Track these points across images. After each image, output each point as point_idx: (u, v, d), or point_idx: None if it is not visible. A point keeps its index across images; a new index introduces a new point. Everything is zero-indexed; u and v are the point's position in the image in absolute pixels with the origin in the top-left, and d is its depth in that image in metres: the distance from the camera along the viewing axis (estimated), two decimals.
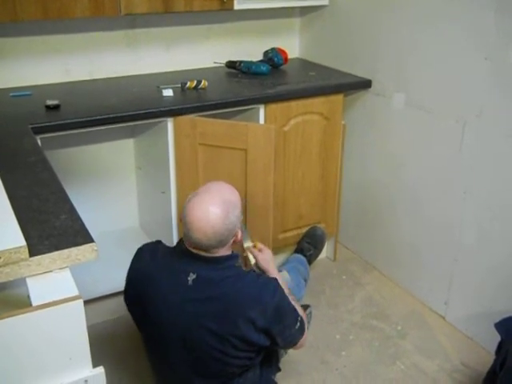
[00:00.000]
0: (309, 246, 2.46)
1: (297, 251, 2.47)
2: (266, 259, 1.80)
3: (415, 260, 2.43)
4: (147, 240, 2.57)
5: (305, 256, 2.40)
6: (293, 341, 1.63)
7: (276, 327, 1.52)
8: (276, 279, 1.60)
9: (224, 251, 1.54)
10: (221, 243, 1.51)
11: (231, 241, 1.56)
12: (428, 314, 2.37)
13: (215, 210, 1.47)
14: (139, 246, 2.49)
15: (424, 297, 2.42)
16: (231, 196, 1.55)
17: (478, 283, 2.15)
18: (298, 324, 1.61)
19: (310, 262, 2.41)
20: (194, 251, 1.52)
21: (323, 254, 2.70)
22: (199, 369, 1.56)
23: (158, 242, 1.73)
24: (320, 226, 2.54)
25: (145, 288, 1.57)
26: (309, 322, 2.23)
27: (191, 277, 1.50)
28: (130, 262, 1.67)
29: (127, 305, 1.68)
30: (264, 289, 1.52)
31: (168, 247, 1.67)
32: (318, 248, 2.49)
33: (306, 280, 2.26)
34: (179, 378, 1.62)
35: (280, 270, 2.19)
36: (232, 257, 1.57)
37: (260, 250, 1.81)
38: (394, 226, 2.51)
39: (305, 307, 2.22)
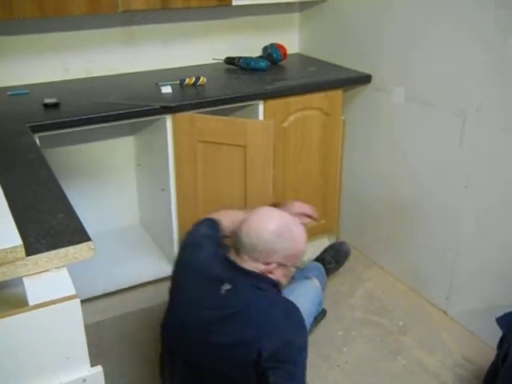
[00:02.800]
0: (331, 259, 2.45)
1: (318, 260, 2.45)
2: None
3: (416, 255, 2.42)
4: (148, 238, 2.58)
5: (324, 267, 2.39)
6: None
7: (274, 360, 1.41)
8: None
9: (264, 270, 1.54)
10: (260, 253, 1.52)
11: (271, 264, 1.55)
12: (429, 309, 2.36)
13: (272, 224, 1.54)
14: (140, 243, 2.54)
15: (425, 292, 2.42)
16: (295, 235, 1.58)
17: (480, 277, 2.14)
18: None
19: (327, 274, 2.40)
20: (237, 261, 1.54)
21: None
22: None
23: (207, 237, 1.67)
24: (346, 243, 2.54)
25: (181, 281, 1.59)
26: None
27: (225, 287, 1.49)
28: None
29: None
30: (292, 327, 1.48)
31: (213, 247, 1.63)
32: (339, 263, 2.48)
33: (323, 290, 2.24)
34: None
35: (309, 277, 2.13)
36: (274, 283, 1.56)
37: None
38: (395, 221, 2.50)
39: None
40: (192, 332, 1.50)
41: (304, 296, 1.99)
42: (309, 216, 1.91)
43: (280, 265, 1.56)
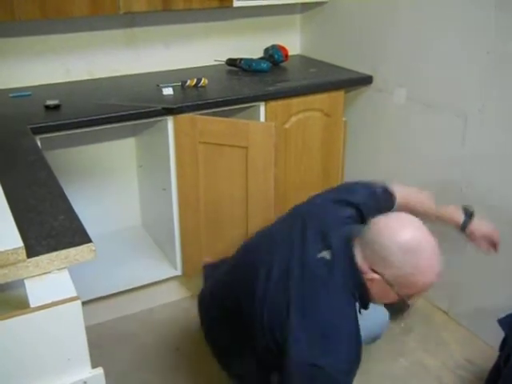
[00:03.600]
0: None
1: None
2: None
3: None
4: (149, 239, 2.58)
5: None
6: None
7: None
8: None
9: (365, 272, 1.34)
10: (373, 254, 1.31)
11: (376, 274, 1.32)
12: (431, 310, 2.36)
13: (406, 234, 1.31)
14: (142, 244, 2.54)
15: (427, 293, 2.41)
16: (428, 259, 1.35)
17: (481, 278, 2.13)
18: None
19: None
20: (354, 242, 1.36)
21: None
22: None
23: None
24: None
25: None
26: None
27: (326, 255, 1.34)
28: None
29: None
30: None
31: (347, 212, 1.51)
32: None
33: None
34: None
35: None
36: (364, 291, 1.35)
37: None
38: None
39: None
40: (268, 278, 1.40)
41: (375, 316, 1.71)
42: (492, 242, 1.68)
43: (385, 281, 1.32)
